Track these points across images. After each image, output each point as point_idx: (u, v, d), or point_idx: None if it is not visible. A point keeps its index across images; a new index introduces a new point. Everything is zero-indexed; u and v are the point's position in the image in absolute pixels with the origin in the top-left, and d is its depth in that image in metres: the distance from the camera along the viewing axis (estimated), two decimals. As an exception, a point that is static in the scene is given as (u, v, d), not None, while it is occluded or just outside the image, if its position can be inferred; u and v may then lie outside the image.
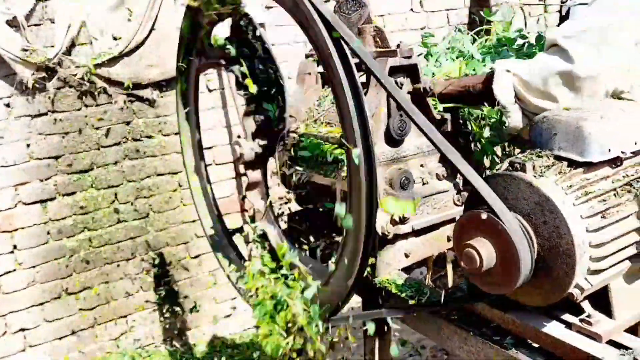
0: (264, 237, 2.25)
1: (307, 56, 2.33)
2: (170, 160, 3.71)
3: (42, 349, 3.41)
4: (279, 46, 3.76)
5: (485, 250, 1.37)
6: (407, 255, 2.05)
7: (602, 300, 1.48)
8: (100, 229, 3.52)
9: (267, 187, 2.34)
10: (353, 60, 1.63)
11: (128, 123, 3.56)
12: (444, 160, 2.05)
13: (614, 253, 1.40)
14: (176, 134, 3.69)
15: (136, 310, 3.70)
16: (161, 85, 3.62)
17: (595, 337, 1.41)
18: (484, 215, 1.38)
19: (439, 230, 2.10)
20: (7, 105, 3.21)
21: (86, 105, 3.43)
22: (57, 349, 3.46)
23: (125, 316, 3.66)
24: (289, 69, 2.94)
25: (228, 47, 2.19)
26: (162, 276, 3.75)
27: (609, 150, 1.44)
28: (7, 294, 3.28)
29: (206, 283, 3.91)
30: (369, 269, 1.91)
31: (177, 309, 3.82)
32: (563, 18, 4.79)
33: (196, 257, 3.87)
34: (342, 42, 1.62)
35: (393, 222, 1.97)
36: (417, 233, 2.05)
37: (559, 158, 1.45)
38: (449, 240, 2.11)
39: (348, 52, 1.62)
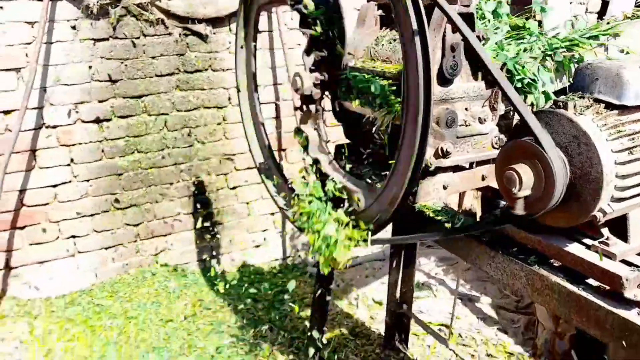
0: (316, 163, 2.48)
1: (368, 0, 2.51)
2: (217, 94, 3.93)
3: (89, 256, 3.73)
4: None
5: (525, 174, 1.60)
6: (444, 187, 2.28)
7: (619, 227, 1.71)
8: (149, 152, 3.78)
9: (321, 118, 2.56)
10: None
11: (181, 55, 3.77)
12: (504, 96, 2.20)
13: (636, 185, 1.62)
14: (224, 70, 3.92)
15: (175, 231, 3.99)
16: (214, 22, 3.82)
17: (610, 256, 1.65)
18: (528, 143, 1.60)
19: (475, 169, 2.33)
20: (73, 28, 3.43)
21: (144, 35, 3.64)
22: (102, 257, 3.77)
23: (165, 235, 3.96)
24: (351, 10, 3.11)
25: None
26: (200, 202, 4.03)
27: (643, 96, 1.65)
28: (62, 202, 3.58)
29: (241, 213, 4.19)
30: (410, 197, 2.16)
31: (212, 234, 4.10)
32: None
33: (233, 188, 4.14)
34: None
35: (436, 156, 2.20)
36: (455, 169, 2.29)
37: (597, 100, 1.66)
38: (483, 179, 2.34)
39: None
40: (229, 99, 3.98)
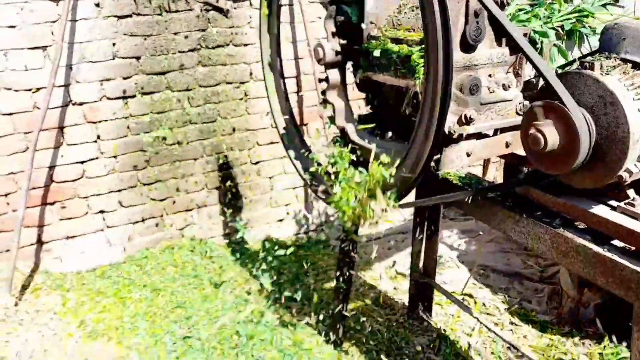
0: (342, 132, 2.50)
1: (389, -33, 2.50)
2: (239, 70, 3.96)
3: (117, 230, 3.82)
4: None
5: (550, 134, 1.60)
6: (468, 155, 2.28)
7: (645, 188, 1.71)
8: (173, 128, 3.83)
9: (345, 88, 2.57)
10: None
11: (203, 31, 3.79)
12: (527, 59, 2.18)
13: (663, 145, 1.62)
14: (246, 45, 3.94)
15: (200, 206, 4.06)
16: (235, -3, 3.84)
17: (636, 217, 1.65)
18: (553, 104, 1.60)
19: (499, 136, 2.32)
20: (97, 5, 3.47)
21: (167, 11, 3.66)
22: (130, 231, 3.86)
23: (190, 210, 4.03)
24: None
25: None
26: (224, 177, 4.08)
27: (672, 56, 1.63)
28: (90, 178, 3.66)
29: (263, 188, 4.24)
30: (433, 163, 2.17)
31: (236, 208, 4.17)
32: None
33: (256, 163, 4.18)
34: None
35: (459, 123, 2.20)
36: (479, 135, 2.28)
37: (625, 61, 1.65)
38: (507, 146, 2.34)
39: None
40: (251, 74, 4.00)
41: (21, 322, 2.97)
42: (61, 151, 3.53)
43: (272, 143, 4.16)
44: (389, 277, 3.92)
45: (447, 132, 2.21)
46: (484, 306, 3.49)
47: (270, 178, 4.26)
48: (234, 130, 4.03)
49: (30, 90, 3.36)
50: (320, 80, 2.62)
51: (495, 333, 2.97)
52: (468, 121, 2.24)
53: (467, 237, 4.39)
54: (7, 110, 3.32)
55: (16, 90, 3.32)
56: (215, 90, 3.92)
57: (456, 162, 2.30)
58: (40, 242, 3.60)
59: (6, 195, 3.42)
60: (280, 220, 4.36)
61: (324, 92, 2.63)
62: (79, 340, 2.97)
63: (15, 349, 2.78)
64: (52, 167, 3.53)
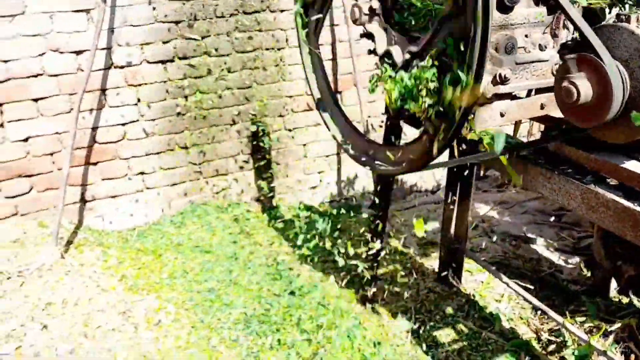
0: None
1: None
2: (275, 36, 4.00)
3: (156, 192, 3.95)
4: None
5: (583, 86, 1.60)
6: (502, 115, 2.28)
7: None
8: (210, 93, 3.92)
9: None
10: None
11: (241, -4, 3.84)
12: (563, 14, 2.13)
13: (700, 99, 1.59)
14: (282, 11, 3.97)
15: (235, 170, 4.16)
16: (273, -37, 3.86)
17: (670, 172, 1.65)
18: (587, 56, 1.59)
19: (534, 97, 2.31)
20: (138, -30, 3.55)
21: (205, -24, 3.72)
22: (168, 193, 3.99)
23: (225, 174, 4.13)
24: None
25: None
26: (259, 143, 4.16)
27: None
28: (130, 140, 3.79)
29: (297, 154, 4.30)
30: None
31: (270, 173, 4.25)
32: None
33: (290, 130, 4.24)
34: None
35: (494, 82, 2.20)
36: (513, 96, 2.28)
37: (664, 13, 1.62)
38: (542, 107, 2.32)
39: None
40: (287, 40, 4.03)
41: (67, 273, 3.13)
42: (103, 113, 3.65)
43: (306, 110, 4.21)
44: (420, 244, 3.95)
45: (481, 92, 2.22)
46: (514, 274, 3.50)
47: (304, 145, 4.32)
48: (269, 96, 4.09)
49: (74, 52, 3.48)
50: (361, 36, 2.61)
51: (524, 298, 2.98)
52: (503, 80, 2.23)
53: (500, 208, 4.38)
54: (53, 71, 3.45)
55: (61, 52, 3.44)
56: (252, 56, 3.98)
57: (489, 122, 2.30)
58: (83, 200, 3.76)
59: (52, 154, 3.58)
60: (314, 187, 4.43)
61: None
62: (120, 292, 3.12)
63: (62, 296, 2.94)
64: (94, 128, 3.66)
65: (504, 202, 4.45)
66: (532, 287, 3.33)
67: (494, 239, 3.95)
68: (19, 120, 3.43)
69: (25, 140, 3.48)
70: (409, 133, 3.36)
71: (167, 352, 2.78)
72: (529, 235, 3.98)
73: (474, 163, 2.98)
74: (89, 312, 2.92)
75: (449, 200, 3.15)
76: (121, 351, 2.74)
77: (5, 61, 3.32)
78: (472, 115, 2.25)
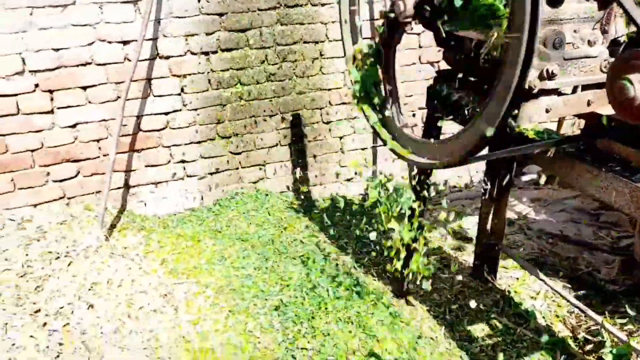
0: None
1: None
2: (315, 29, 4.04)
3: (196, 179, 4.04)
4: None
5: (638, 83, 1.59)
6: (547, 111, 2.28)
7: None
8: (251, 85, 3.98)
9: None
10: None
11: (283, -10, 3.89)
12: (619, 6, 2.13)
13: None
14: (322, 5, 4.00)
15: (273, 160, 4.22)
16: (315, -43, 3.89)
17: None
18: (642, 53, 1.59)
19: (581, 93, 2.30)
20: (185, -38, 3.63)
21: (249, -31, 3.78)
22: (207, 181, 4.08)
23: (263, 164, 4.20)
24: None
25: None
26: (296, 135, 4.21)
27: None
28: (173, 129, 3.88)
29: (334, 147, 4.34)
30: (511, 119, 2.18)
31: (307, 165, 4.30)
32: None
33: (328, 122, 4.28)
34: None
35: (541, 77, 2.20)
36: (560, 92, 2.27)
37: None
38: (588, 104, 2.31)
39: None
40: (326, 34, 4.07)
41: (111, 255, 3.24)
42: (148, 102, 3.75)
43: (344, 103, 4.24)
44: (456, 239, 3.96)
45: (527, 87, 2.22)
46: (550, 272, 3.48)
47: (340, 138, 4.35)
48: (308, 89, 4.13)
49: (122, 42, 3.57)
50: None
51: (561, 295, 2.97)
52: (550, 76, 2.23)
53: (537, 205, 4.35)
54: (101, 60, 3.55)
55: (109, 42, 3.54)
56: (292, 49, 4.02)
57: (534, 118, 2.30)
58: (127, 186, 3.87)
59: (98, 140, 3.69)
60: (349, 180, 4.46)
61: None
62: (161, 275, 3.21)
63: (106, 277, 3.04)
64: (139, 117, 3.76)
65: (541, 199, 4.41)
66: (569, 286, 3.31)
67: (530, 236, 3.93)
68: (68, 107, 3.55)
69: (74, 126, 3.60)
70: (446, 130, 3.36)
71: (205, 334, 2.85)
72: (566, 233, 3.95)
73: (512, 159, 2.98)
74: (132, 293, 3.02)
75: (487, 195, 3.15)
76: (162, 332, 2.83)
77: (57, 49, 3.43)
78: (517, 111, 2.26)
